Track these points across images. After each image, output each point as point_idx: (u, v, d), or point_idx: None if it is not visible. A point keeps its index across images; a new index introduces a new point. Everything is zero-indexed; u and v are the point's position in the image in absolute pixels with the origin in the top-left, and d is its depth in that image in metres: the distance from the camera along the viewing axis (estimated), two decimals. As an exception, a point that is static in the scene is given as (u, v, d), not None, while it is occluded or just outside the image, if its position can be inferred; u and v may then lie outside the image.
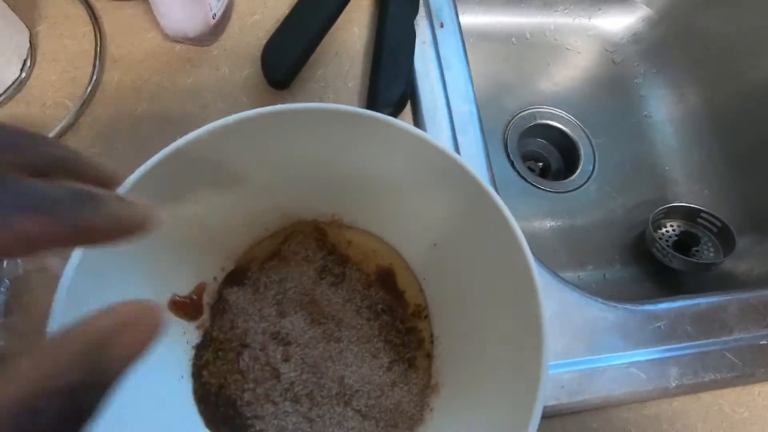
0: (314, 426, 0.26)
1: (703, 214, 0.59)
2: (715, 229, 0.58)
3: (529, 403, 0.21)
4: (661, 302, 0.32)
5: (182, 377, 0.27)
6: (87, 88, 0.35)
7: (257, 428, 0.26)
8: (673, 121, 0.68)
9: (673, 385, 0.30)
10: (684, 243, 0.59)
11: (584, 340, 0.31)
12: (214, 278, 0.29)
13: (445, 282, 0.29)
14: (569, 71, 0.72)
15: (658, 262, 0.58)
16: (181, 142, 0.24)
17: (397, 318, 0.29)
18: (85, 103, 0.35)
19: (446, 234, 0.29)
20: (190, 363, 0.27)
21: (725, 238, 0.57)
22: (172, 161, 0.24)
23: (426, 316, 0.30)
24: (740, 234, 0.56)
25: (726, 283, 0.54)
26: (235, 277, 0.29)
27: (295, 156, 0.27)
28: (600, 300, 0.32)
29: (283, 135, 0.26)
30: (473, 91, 0.39)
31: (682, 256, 0.55)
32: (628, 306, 0.32)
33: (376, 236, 0.31)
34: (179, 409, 0.26)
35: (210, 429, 0.26)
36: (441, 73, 0.39)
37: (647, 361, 0.30)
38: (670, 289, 0.58)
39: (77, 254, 0.21)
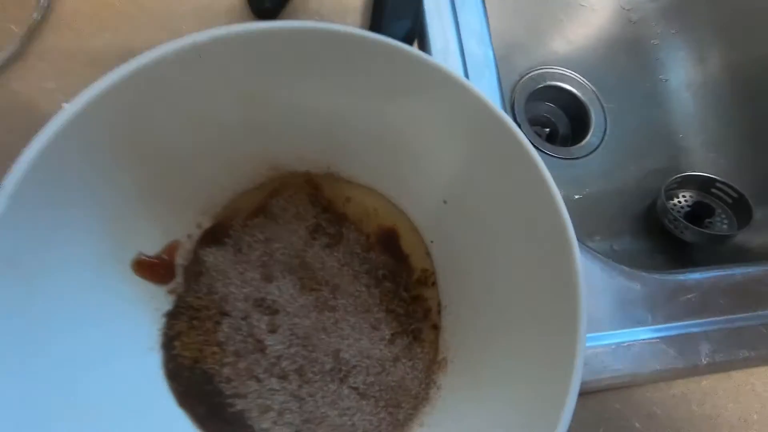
0: (304, 406, 0.22)
1: (718, 184, 0.56)
2: (730, 200, 0.55)
3: (561, 381, 0.18)
4: (692, 272, 0.29)
5: (151, 349, 0.23)
6: (34, 12, 0.29)
7: (238, 407, 0.22)
8: (691, 86, 0.63)
9: (704, 362, 0.27)
10: (697, 214, 0.57)
11: (609, 312, 0.27)
12: (189, 236, 0.25)
13: (457, 244, 0.25)
14: (583, 29, 0.66)
15: (669, 234, 0.55)
16: (142, 60, 0.19)
17: (401, 285, 0.26)
18: (35, 29, 0.29)
19: (459, 190, 0.25)
20: (160, 333, 0.23)
21: (741, 210, 0.54)
22: (132, 85, 0.19)
23: (433, 283, 0.26)
24: (757, 205, 0.53)
25: (740, 256, 0.52)
26: (214, 236, 0.25)
27: (284, 91, 0.23)
28: (626, 268, 0.28)
29: (269, 63, 0.21)
30: (489, 33, 0.34)
31: (694, 227, 0.53)
32: (657, 275, 0.28)
33: (377, 192, 0.27)
34: (147, 386, 0.22)
35: (183, 408, 0.22)
36: (453, 11, 0.34)
37: (677, 336, 0.27)
38: (680, 262, 0.56)
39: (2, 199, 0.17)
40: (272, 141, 0.25)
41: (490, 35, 0.34)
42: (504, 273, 0.23)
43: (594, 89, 0.63)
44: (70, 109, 0.18)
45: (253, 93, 0.22)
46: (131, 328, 0.23)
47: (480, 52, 0.33)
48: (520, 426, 0.19)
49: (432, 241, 0.27)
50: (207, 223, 0.26)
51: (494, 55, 0.33)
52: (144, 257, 0.24)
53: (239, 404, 0.22)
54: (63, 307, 0.20)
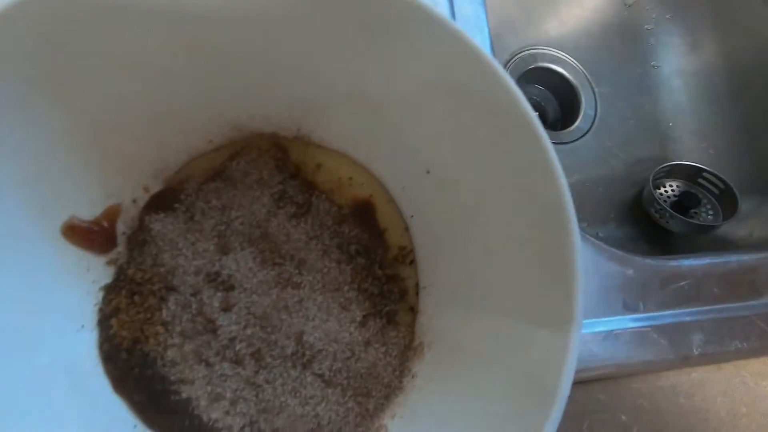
0: (261, 394, 0.20)
1: (705, 174, 0.55)
2: (716, 191, 0.55)
3: (552, 373, 0.16)
4: (686, 258, 0.27)
5: (83, 327, 0.20)
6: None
7: (184, 395, 0.19)
8: (683, 73, 0.62)
9: (696, 353, 0.25)
10: (683, 204, 0.56)
11: (598, 297, 0.25)
12: (134, 200, 0.22)
13: (439, 219, 0.23)
14: (577, 11, 0.64)
15: (654, 223, 0.54)
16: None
17: (375, 262, 0.23)
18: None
19: (444, 157, 0.22)
20: (96, 309, 0.20)
21: (727, 201, 0.53)
22: (51, 9, 0.16)
23: (412, 262, 0.24)
24: (743, 197, 0.52)
25: (724, 248, 0.51)
26: (163, 201, 0.22)
27: (244, 39, 0.19)
28: (620, 252, 0.27)
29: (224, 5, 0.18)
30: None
31: (680, 216, 0.52)
32: (651, 261, 0.27)
33: (352, 160, 0.24)
34: (78, 367, 0.19)
35: (119, 394, 0.19)
36: (444, -33, 0.31)
37: (669, 324, 0.25)
38: (664, 251, 0.55)
39: None
40: (232, 97, 0.22)
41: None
42: (491, 252, 0.20)
43: (585, 73, 0.61)
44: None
45: (205, 35, 0.19)
46: (62, 302, 0.20)
47: (470, 12, 0.30)
48: (504, 419, 0.17)
49: (412, 216, 0.24)
50: (156, 187, 0.22)
51: (486, 14, 0.30)
52: (78, 221, 0.20)
53: (185, 391, 0.19)
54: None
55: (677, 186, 0.56)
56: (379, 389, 0.21)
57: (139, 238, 0.21)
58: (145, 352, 0.20)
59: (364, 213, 0.24)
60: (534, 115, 0.18)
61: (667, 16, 0.62)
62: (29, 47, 0.16)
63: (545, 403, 0.15)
